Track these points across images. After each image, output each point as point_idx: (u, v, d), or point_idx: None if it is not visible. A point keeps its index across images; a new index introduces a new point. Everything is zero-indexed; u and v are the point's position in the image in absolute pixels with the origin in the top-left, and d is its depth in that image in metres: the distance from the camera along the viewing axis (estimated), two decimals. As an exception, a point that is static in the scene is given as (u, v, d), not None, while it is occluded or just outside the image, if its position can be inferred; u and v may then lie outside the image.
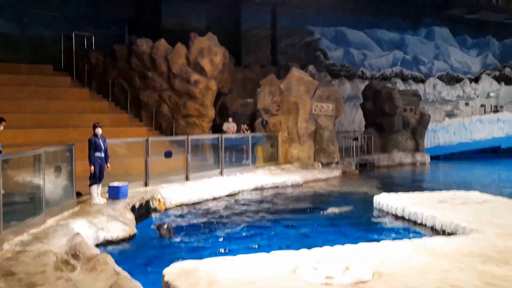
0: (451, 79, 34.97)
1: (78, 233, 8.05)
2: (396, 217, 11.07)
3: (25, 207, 9.12)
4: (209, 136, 18.04)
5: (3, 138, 11.86)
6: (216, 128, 20.01)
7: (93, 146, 11.08)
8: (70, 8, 23.04)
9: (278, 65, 26.59)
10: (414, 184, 18.63)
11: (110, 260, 6.57)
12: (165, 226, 10.17)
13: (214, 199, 13.89)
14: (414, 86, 31.30)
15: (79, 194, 11.10)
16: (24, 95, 18.11)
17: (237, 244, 9.45)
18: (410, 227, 10.35)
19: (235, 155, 17.76)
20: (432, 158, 25.53)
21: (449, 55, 35.48)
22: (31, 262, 6.76)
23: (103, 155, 11.26)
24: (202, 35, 19.61)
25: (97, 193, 11.05)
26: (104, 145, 11.33)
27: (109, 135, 12.65)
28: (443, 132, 28.33)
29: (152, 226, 10.68)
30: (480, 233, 8.30)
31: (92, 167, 10.93)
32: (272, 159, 19.18)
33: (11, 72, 19.30)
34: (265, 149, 19.19)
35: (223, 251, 8.81)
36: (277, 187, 16.13)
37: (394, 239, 8.79)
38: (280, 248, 7.82)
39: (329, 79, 28.26)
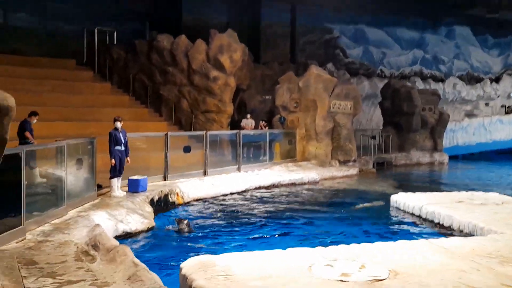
0: (471, 79, 34.50)
1: (98, 225, 8.19)
2: (413, 216, 11.06)
3: (47, 198, 9.30)
4: (227, 132, 18.14)
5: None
6: (235, 124, 20.10)
7: (114, 139, 11.24)
8: (91, 2, 23.22)
9: (297, 63, 26.54)
10: (431, 183, 18.49)
11: (129, 251, 6.68)
12: (183, 220, 10.28)
13: (232, 194, 14.02)
14: (433, 86, 30.99)
15: (99, 187, 11.28)
16: (47, 89, 18.33)
17: (254, 239, 9.53)
18: (427, 227, 10.33)
19: (252, 151, 17.84)
20: (450, 158, 25.31)
21: (469, 54, 34.96)
22: (52, 252, 6.92)
23: (123, 148, 11.43)
24: (222, 31, 19.66)
25: (117, 186, 11.23)
26: (124, 139, 11.49)
27: (129, 129, 12.79)
28: (462, 132, 28.06)
29: (170, 220, 10.81)
30: (498, 234, 8.25)
31: (113, 160, 11.11)
32: (290, 156, 19.23)
33: (33, 66, 19.50)
34: (282, 146, 19.26)
35: (239, 246, 8.88)
36: (294, 183, 16.19)
37: (410, 238, 8.79)
38: (298, 244, 7.88)
39: (348, 77, 28.09)
